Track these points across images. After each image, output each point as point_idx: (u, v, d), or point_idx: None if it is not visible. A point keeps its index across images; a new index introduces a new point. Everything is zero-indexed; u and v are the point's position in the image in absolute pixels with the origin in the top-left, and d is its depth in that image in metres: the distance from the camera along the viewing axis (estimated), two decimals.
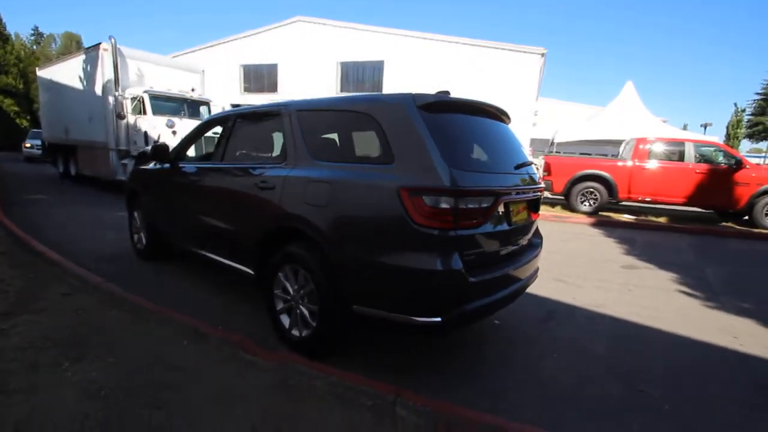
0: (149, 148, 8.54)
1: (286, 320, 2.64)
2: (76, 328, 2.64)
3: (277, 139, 2.99)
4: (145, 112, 8.62)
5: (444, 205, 1.96)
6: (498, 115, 2.69)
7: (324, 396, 2.03)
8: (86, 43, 40.42)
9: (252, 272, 2.90)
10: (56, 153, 12.14)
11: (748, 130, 38.08)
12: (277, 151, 2.97)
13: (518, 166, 2.56)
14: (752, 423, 2.13)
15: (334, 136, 2.59)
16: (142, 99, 8.66)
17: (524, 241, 2.71)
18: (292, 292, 2.57)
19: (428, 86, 16.90)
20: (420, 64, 17.72)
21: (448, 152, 2.07)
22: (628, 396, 2.31)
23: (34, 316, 2.79)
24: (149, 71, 9.44)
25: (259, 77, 21.58)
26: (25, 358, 2.26)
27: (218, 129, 3.78)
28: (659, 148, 8.79)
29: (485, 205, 2.14)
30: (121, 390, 2.01)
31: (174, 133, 8.52)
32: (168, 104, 9.03)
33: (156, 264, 4.28)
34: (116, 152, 8.95)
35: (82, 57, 9.75)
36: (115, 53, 8.41)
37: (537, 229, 3.08)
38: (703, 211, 9.45)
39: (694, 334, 3.21)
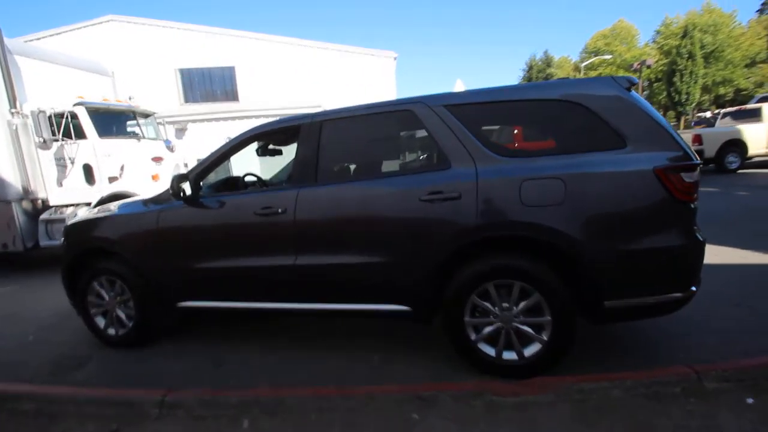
0: (118, 187, 5.47)
1: (488, 349, 2.29)
2: None
3: (409, 141, 2.51)
4: (83, 135, 5.63)
5: (693, 179, 2.05)
6: None
7: (636, 403, 1.89)
8: None
9: (408, 308, 2.39)
10: None
11: None
12: (422, 155, 2.49)
13: None
14: None
15: (513, 127, 2.32)
16: (73, 116, 5.57)
17: None
18: (498, 312, 2.24)
19: (291, 91, 16.27)
20: (277, 69, 16.80)
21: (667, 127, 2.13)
22: (738, 307, 2.92)
23: None
24: (49, 75, 6.15)
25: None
26: None
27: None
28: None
29: None
30: None
31: (158, 160, 5.96)
32: (111, 121, 6.13)
33: (150, 348, 3.02)
34: (23, 206, 5.66)
35: None
36: (2, 47, 5.20)
37: None
38: None
39: None
